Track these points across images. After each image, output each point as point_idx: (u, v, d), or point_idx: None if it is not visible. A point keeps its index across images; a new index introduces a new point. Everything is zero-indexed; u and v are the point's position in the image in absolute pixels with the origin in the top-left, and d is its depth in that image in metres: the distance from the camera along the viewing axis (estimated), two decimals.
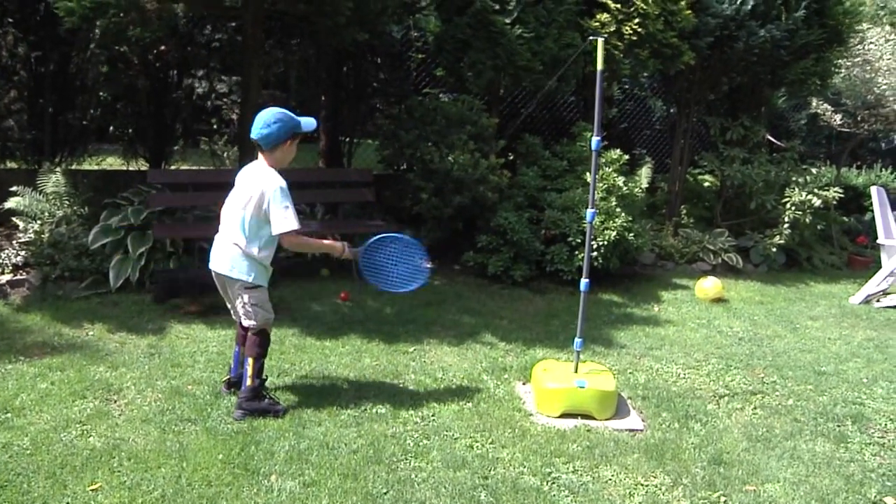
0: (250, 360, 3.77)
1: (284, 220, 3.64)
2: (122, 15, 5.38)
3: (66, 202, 6.38)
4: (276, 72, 9.15)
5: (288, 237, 3.70)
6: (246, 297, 3.75)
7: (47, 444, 3.37)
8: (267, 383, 3.97)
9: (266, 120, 3.66)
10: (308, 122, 3.79)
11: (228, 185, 6.77)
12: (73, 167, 7.60)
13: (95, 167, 8.11)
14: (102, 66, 7.86)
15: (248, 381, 3.76)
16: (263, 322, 3.81)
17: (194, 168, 8.56)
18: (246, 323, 3.81)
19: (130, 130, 8.26)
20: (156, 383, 4.12)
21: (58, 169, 6.65)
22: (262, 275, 3.80)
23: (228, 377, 4.10)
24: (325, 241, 3.99)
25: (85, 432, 3.51)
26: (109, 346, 4.67)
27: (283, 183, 3.68)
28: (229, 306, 3.97)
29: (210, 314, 5.33)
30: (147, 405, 3.84)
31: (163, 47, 7.71)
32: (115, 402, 3.88)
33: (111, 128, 8.48)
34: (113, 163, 8.67)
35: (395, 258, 3.93)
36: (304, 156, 9.94)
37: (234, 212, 3.73)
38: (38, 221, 6.12)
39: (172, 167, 8.40)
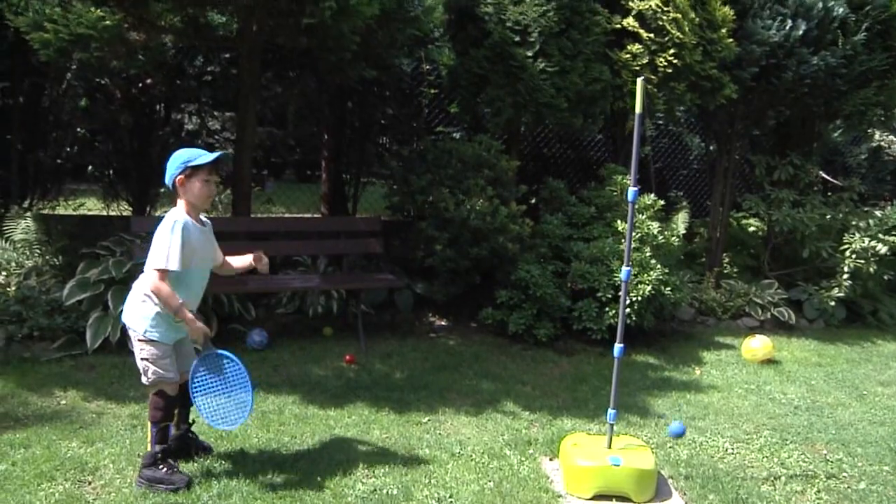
0: (149, 425, 3.90)
1: (159, 256, 3.68)
2: (105, 48, 5.48)
3: (38, 251, 6.43)
4: (273, 107, 9.27)
5: (155, 277, 3.70)
6: (137, 350, 3.86)
7: None
8: (264, 458, 3.99)
9: (169, 163, 3.83)
10: (199, 155, 3.82)
11: (222, 235, 6.85)
12: (46, 211, 7.66)
13: (71, 212, 8.19)
14: (80, 99, 8.00)
15: (149, 447, 3.89)
16: (159, 383, 3.89)
17: None
18: (142, 379, 3.91)
19: (111, 170, 8.34)
20: (138, 461, 4.07)
21: (28, 213, 6.71)
22: (162, 327, 3.85)
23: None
24: (189, 315, 3.80)
25: None
26: (84, 416, 4.66)
27: (181, 218, 3.75)
28: None
29: None
30: (127, 487, 3.81)
31: (149, 80, 7.83)
32: (90, 483, 3.85)
33: (89, 167, 8.57)
34: (91, 206, 8.76)
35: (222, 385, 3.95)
36: (304, 199, 10.05)
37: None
38: (4, 273, 6.16)
39: (158, 212, 8.48)
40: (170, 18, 5.88)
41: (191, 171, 3.81)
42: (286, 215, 9.59)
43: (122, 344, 5.77)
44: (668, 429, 4.73)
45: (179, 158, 3.81)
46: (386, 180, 7.71)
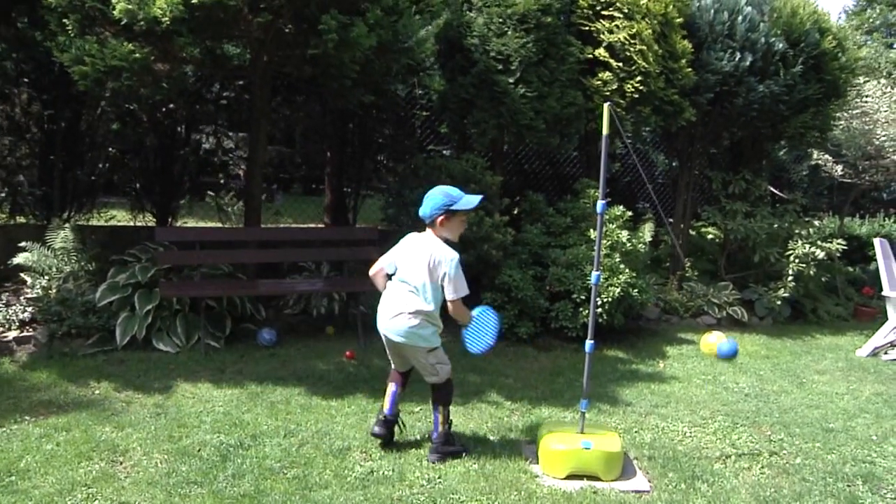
0: (440, 408, 4.19)
1: (459, 288, 4.01)
2: (134, 78, 5.52)
3: (74, 258, 6.46)
4: (282, 128, 9.30)
5: (456, 302, 4.03)
6: (429, 359, 4.13)
7: None
8: (273, 444, 4.07)
9: (426, 198, 4.07)
10: (469, 198, 4.08)
11: (235, 244, 6.89)
12: (82, 223, 7.70)
13: (103, 223, 8.21)
14: (112, 123, 8.04)
15: (440, 428, 4.17)
16: (446, 375, 4.20)
17: (202, 226, 8.67)
18: (431, 380, 4.20)
19: (138, 185, 8.39)
20: (162, 444, 4.13)
21: (66, 225, 6.75)
22: (438, 337, 4.16)
23: (385, 416, 4.28)
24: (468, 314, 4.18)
25: (90, 496, 3.52)
26: (115, 405, 4.69)
27: (457, 256, 4.02)
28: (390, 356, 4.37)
29: (217, 373, 5.39)
30: (153, 467, 3.85)
31: (171, 105, 7.88)
32: (121, 463, 3.89)
33: (119, 182, 8.61)
34: (120, 218, 8.78)
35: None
36: (310, 211, 10.08)
37: (409, 277, 4.07)
38: (46, 277, 6.20)
39: (179, 222, 8.51)
40: (190, 51, 5.90)
41: (453, 213, 4.03)
42: (293, 225, 9.61)
43: (147, 341, 5.82)
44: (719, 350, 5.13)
45: (442, 200, 4.01)
46: (383, 193, 7.75)
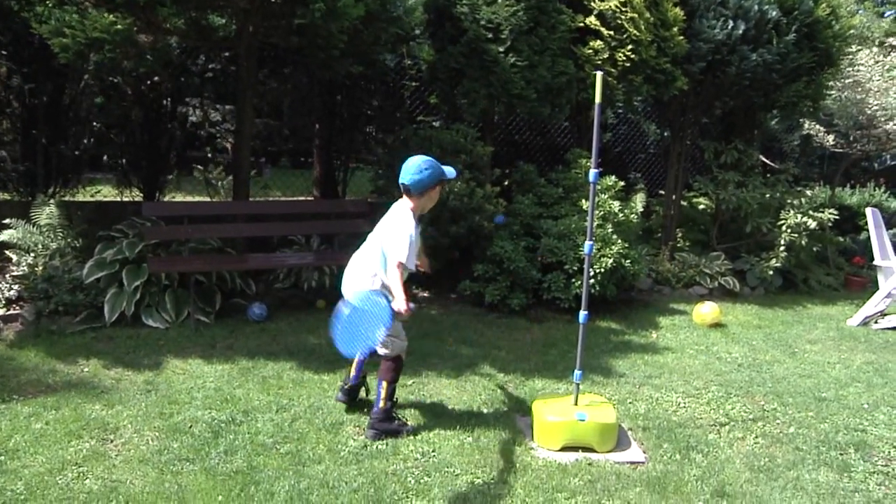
0: (384, 384, 4.05)
1: (397, 251, 3.79)
2: (117, 50, 5.41)
3: (60, 234, 6.37)
4: (270, 100, 9.18)
5: (392, 265, 3.82)
6: None
7: (42, 489, 3.34)
8: (265, 419, 4.03)
9: (418, 166, 3.90)
10: (450, 170, 4.03)
11: (224, 218, 6.81)
12: (67, 199, 7.59)
13: (89, 199, 8.10)
14: (96, 97, 7.90)
15: (381, 404, 4.03)
16: (399, 350, 4.09)
17: (189, 200, 8.57)
18: (381, 352, 4.03)
19: (124, 160, 8.27)
20: (153, 421, 4.09)
21: (52, 201, 6.65)
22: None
23: (349, 384, 4.32)
24: (402, 294, 3.78)
25: (81, 475, 3.48)
26: (105, 382, 4.64)
27: (412, 226, 3.86)
28: None
29: (208, 348, 5.34)
30: (144, 445, 3.81)
31: (156, 78, 7.74)
32: (112, 441, 3.85)
33: (105, 157, 8.49)
34: (107, 193, 8.67)
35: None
36: (298, 184, 9.99)
37: (373, 245, 3.98)
38: (32, 254, 6.11)
39: (166, 197, 8.40)
40: (174, 21, 5.79)
41: (441, 182, 4.00)
42: (282, 199, 9.53)
43: (136, 317, 5.76)
44: None
45: (435, 171, 3.92)
46: (372, 166, 7.67)
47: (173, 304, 5.90)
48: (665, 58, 7.40)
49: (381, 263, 3.90)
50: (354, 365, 4.33)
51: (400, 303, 3.68)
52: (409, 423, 4.18)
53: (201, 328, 5.80)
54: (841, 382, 5.41)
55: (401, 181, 3.92)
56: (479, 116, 7.54)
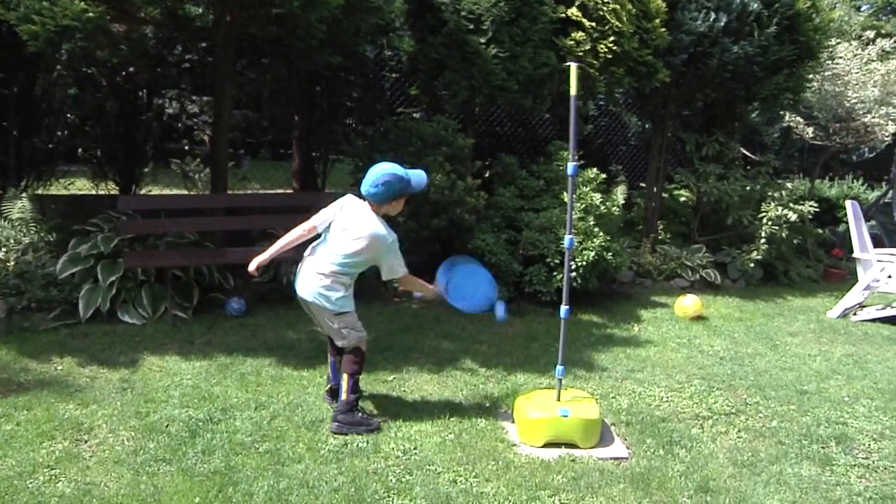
0: (345, 377, 4.02)
1: (395, 268, 3.99)
2: (89, 39, 5.27)
3: (33, 229, 6.25)
4: (248, 91, 9.05)
5: (401, 279, 4.10)
6: (336, 324, 3.98)
7: (12, 493, 3.24)
8: (244, 417, 3.97)
9: (375, 179, 3.87)
10: (419, 180, 4.00)
11: (202, 211, 6.70)
12: (41, 192, 7.44)
13: (64, 192, 7.95)
14: (70, 87, 7.74)
15: (344, 396, 4.00)
16: (357, 341, 4.02)
17: (166, 193, 8.44)
18: (339, 343, 4.05)
19: (99, 152, 8.11)
20: (129, 421, 4.00)
21: (24, 194, 6.52)
22: (349, 301, 4.01)
23: (329, 386, 4.30)
24: (426, 284, 4.25)
25: (54, 477, 3.39)
26: (80, 381, 4.54)
27: (394, 235, 3.95)
28: (315, 322, 4.27)
29: (185, 344, 5.25)
30: (119, 445, 3.73)
31: (132, 68, 7.60)
32: (86, 442, 3.76)
33: (79, 150, 8.34)
34: (81, 186, 8.52)
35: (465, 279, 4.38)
36: (278, 176, 9.88)
37: (337, 245, 3.93)
38: (4, 249, 5.99)
39: (143, 190, 8.27)
40: (149, 10, 5.65)
41: (405, 195, 4.00)
42: (261, 192, 9.41)
43: (111, 313, 5.65)
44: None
45: (395, 185, 3.89)
46: (352, 158, 7.57)
47: (150, 299, 5.80)
48: (647, 50, 7.37)
49: (345, 270, 3.93)
50: (330, 367, 4.31)
51: (429, 290, 4.26)
52: (376, 418, 4.13)
53: (179, 324, 5.71)
54: (822, 375, 5.43)
55: (361, 189, 3.92)
56: (460, 108, 7.48)
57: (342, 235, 3.92)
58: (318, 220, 4.03)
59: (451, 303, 4.32)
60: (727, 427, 4.37)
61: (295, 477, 3.48)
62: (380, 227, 3.90)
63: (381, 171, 3.87)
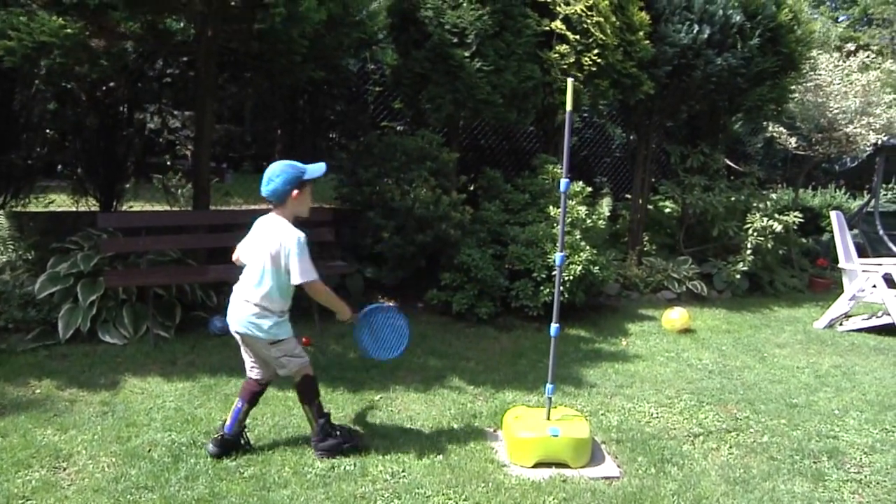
0: (306, 408, 3.93)
1: (306, 270, 3.71)
2: (68, 55, 5.19)
3: (11, 247, 6.14)
4: (230, 105, 8.98)
5: (311, 285, 3.75)
6: (274, 352, 3.82)
7: None
8: (225, 438, 3.85)
9: (269, 175, 3.73)
10: (315, 169, 3.82)
11: (184, 228, 6.61)
12: (18, 209, 7.31)
13: (42, 209, 7.82)
14: (49, 102, 7.63)
15: (313, 425, 3.91)
16: (298, 367, 3.88)
17: (148, 210, 8.33)
18: (281, 373, 3.90)
19: (79, 168, 8.00)
20: (109, 446, 3.90)
21: (1, 211, 6.40)
22: (284, 327, 3.83)
23: (221, 434, 3.86)
24: (339, 301, 3.92)
25: None
26: (58, 404, 4.42)
27: (302, 235, 3.73)
28: (245, 357, 4.02)
29: (168, 365, 5.15)
30: (100, 472, 3.62)
31: (112, 83, 7.50)
32: (65, 469, 3.65)
33: (59, 166, 8.22)
34: (61, 202, 8.39)
35: (383, 325, 4.10)
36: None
37: (253, 264, 3.79)
38: None
39: (124, 206, 8.15)
40: (129, 25, 5.59)
41: (303, 184, 3.76)
42: (244, 207, 9.32)
43: (92, 333, 5.54)
44: None
45: (290, 173, 3.72)
46: (336, 173, 7.51)
47: (131, 318, 5.69)
48: (631, 62, 7.38)
49: (268, 290, 3.73)
50: (231, 412, 3.92)
51: (344, 312, 3.88)
52: (355, 436, 4.04)
53: (161, 343, 5.61)
54: (811, 387, 5.41)
55: (262, 194, 3.78)
56: (445, 122, 7.44)
57: (255, 252, 3.79)
58: (239, 250, 3.95)
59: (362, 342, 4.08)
60: (718, 443, 4.33)
61: (281, 502, 3.39)
62: (286, 226, 3.73)
63: (271, 169, 3.74)
